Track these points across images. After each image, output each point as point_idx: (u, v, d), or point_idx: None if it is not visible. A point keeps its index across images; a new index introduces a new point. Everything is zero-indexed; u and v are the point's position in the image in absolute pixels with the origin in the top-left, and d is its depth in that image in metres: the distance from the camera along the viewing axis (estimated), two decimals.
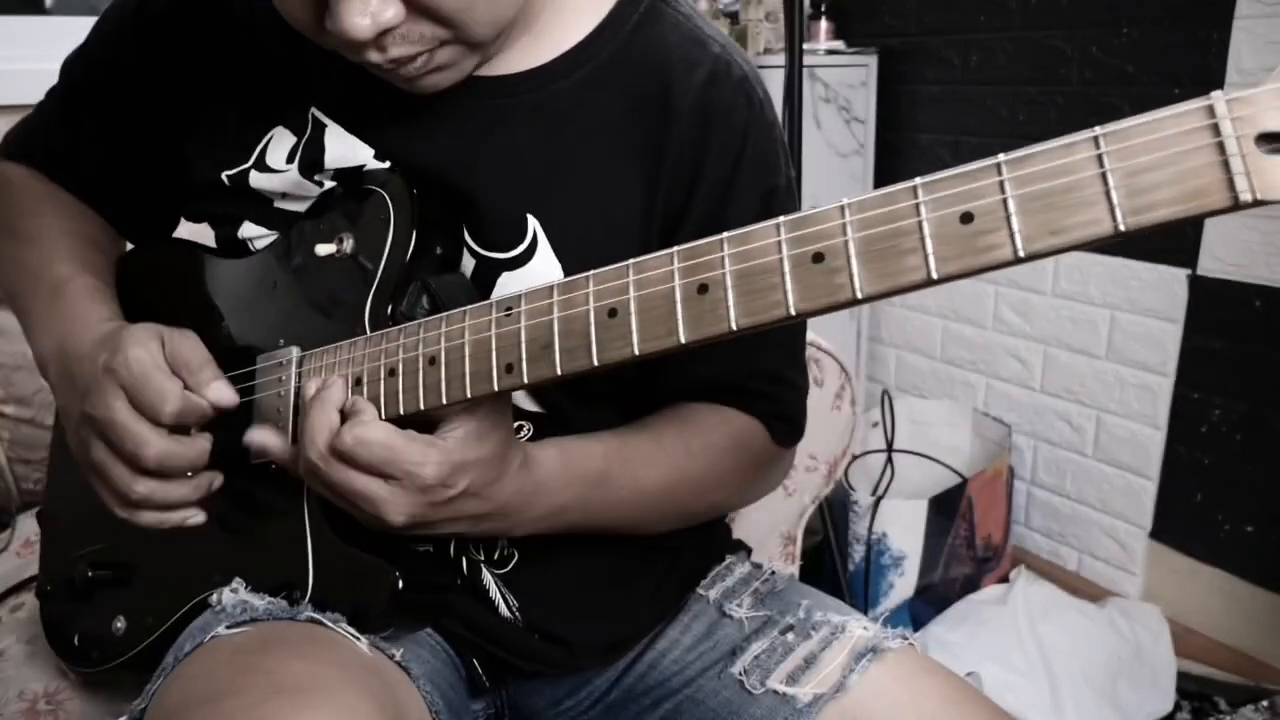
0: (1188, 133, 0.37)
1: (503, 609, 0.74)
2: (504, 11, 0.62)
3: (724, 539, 0.88)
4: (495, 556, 0.74)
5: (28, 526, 1.14)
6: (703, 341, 0.48)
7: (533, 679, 0.78)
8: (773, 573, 0.83)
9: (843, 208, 0.44)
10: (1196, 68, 1.66)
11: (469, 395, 0.56)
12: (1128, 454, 1.89)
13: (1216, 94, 0.37)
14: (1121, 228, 0.38)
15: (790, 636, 0.74)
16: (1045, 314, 2.00)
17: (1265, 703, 1.64)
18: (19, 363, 1.20)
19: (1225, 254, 1.68)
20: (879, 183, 2.28)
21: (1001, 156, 0.40)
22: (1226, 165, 0.36)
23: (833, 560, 1.77)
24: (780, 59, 1.76)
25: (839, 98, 2.14)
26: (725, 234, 0.47)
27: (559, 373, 0.52)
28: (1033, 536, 2.11)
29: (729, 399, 0.76)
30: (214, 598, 0.67)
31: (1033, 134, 1.94)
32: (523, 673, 0.77)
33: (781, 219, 0.46)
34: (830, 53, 2.15)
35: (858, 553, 1.82)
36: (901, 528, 1.79)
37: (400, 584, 0.64)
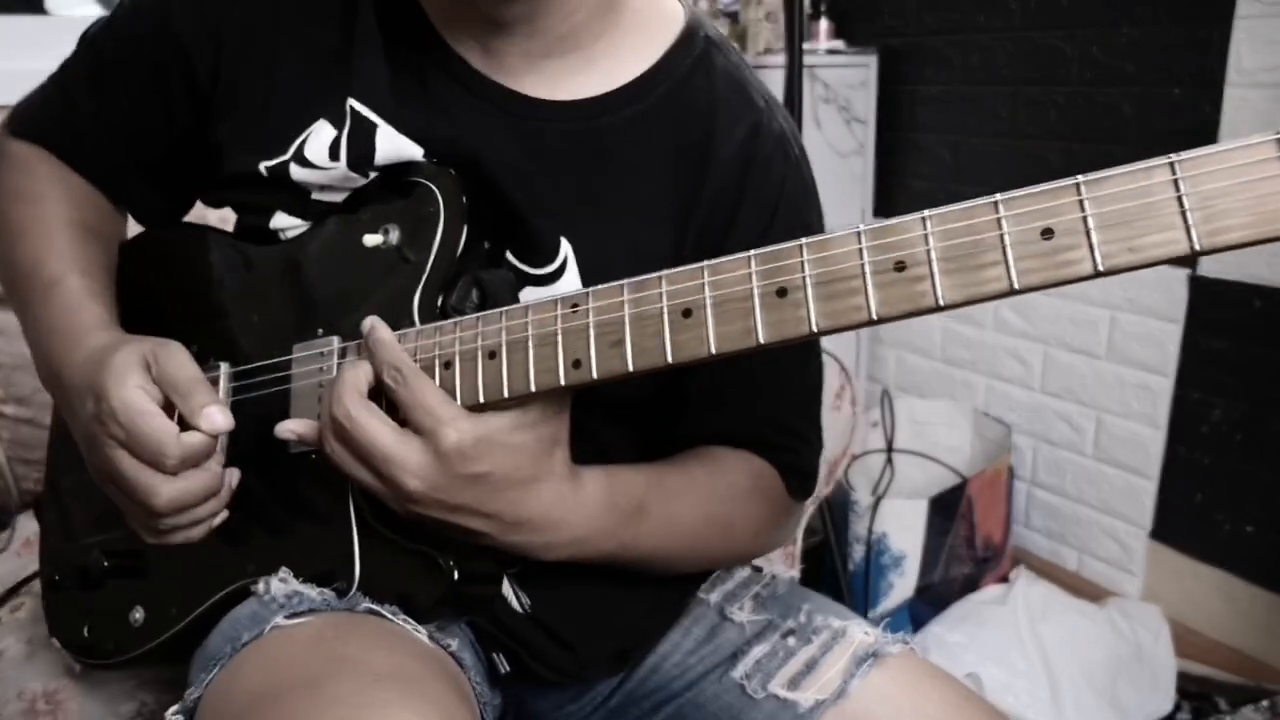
0: (1260, 163, 0.40)
1: (515, 605, 0.74)
2: None
3: None
4: (505, 556, 0.74)
5: (28, 526, 1.14)
6: (781, 343, 0.50)
7: (542, 684, 0.78)
8: (773, 576, 0.83)
9: (924, 219, 0.46)
10: (1197, 68, 1.66)
11: (533, 389, 0.56)
12: (1128, 454, 1.89)
13: None
14: (1198, 247, 0.41)
15: (791, 640, 0.74)
16: (1045, 314, 2.00)
17: (1265, 703, 1.64)
18: (19, 362, 1.20)
19: (1225, 254, 1.68)
20: (879, 183, 2.28)
21: (1080, 177, 0.43)
22: None
23: (833, 560, 1.77)
24: (780, 59, 1.76)
25: (839, 98, 2.14)
26: (804, 240, 0.49)
27: (630, 369, 0.54)
28: (1033, 536, 2.11)
29: (747, 449, 0.77)
30: (259, 587, 0.67)
31: (1033, 134, 1.94)
32: (534, 675, 0.76)
33: (862, 227, 0.47)
34: (830, 53, 2.14)
35: (858, 553, 1.82)
36: (901, 528, 1.79)
37: (456, 574, 0.64)
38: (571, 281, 0.69)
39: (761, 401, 0.77)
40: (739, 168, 0.71)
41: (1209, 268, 1.71)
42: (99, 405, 0.64)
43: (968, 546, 1.89)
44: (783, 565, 1.27)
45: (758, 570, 0.85)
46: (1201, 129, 1.65)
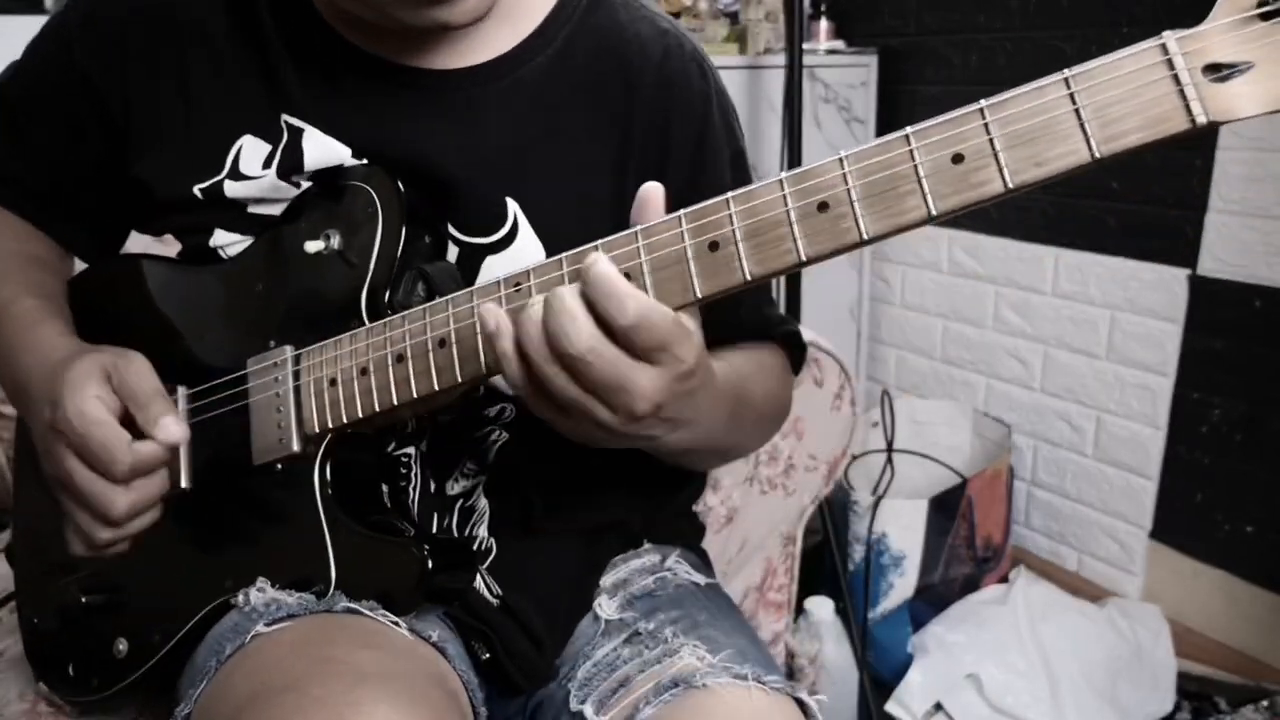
0: (1147, 68, 0.42)
1: (487, 596, 0.74)
2: None
3: (666, 525, 0.85)
4: (477, 550, 0.75)
5: None
6: (718, 294, 0.52)
7: (500, 694, 0.76)
8: (673, 574, 0.80)
9: (841, 160, 0.48)
10: None
11: (484, 371, 0.57)
12: (1128, 454, 1.89)
13: (1167, 33, 0.42)
14: (1098, 154, 0.43)
15: (625, 650, 0.71)
16: (1045, 314, 2.00)
17: (1265, 703, 1.64)
18: None
19: (1225, 254, 1.68)
20: None
21: (983, 101, 0.45)
22: (1183, 94, 0.41)
23: (833, 560, 1.77)
24: (780, 59, 1.76)
25: (839, 98, 2.14)
26: (729, 194, 0.50)
27: None
28: (1033, 536, 2.11)
29: (752, 339, 0.78)
30: (239, 599, 0.67)
31: None
32: (504, 675, 0.75)
33: (784, 174, 0.49)
34: (830, 53, 2.15)
35: (858, 553, 1.82)
36: (901, 528, 1.79)
37: (430, 563, 0.64)
38: (527, 239, 0.70)
39: (744, 304, 0.75)
40: (659, 90, 0.72)
41: (1208, 267, 1.71)
42: (55, 413, 0.64)
43: (968, 546, 1.89)
44: (781, 567, 1.27)
45: (664, 562, 0.81)
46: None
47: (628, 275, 0.52)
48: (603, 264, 0.51)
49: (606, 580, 0.79)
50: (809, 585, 1.62)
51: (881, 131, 2.23)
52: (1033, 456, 2.08)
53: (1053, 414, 2.03)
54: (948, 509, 1.82)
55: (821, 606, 1.65)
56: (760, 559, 1.24)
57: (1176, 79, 0.41)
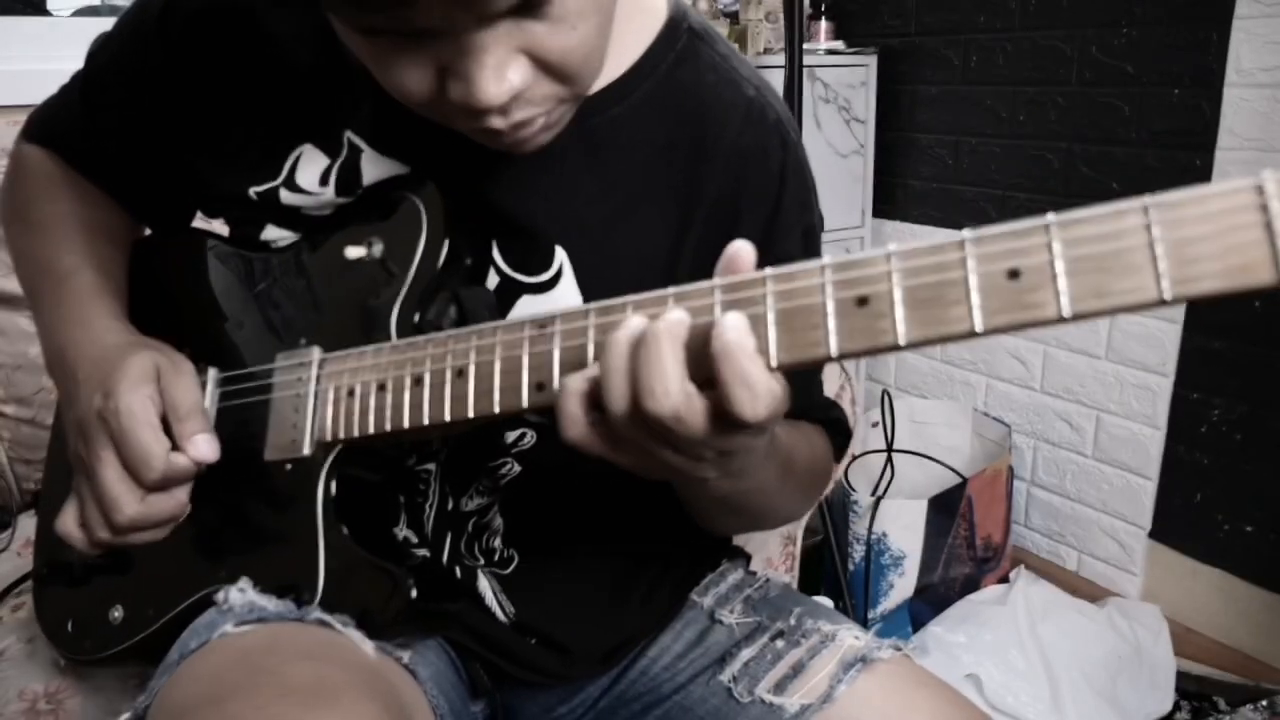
0: (1236, 209, 0.38)
1: (499, 614, 0.74)
2: (602, 61, 0.61)
3: (719, 545, 0.88)
4: (496, 559, 0.74)
5: (28, 526, 1.14)
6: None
7: (529, 686, 0.78)
8: (767, 580, 0.83)
9: (889, 255, 0.44)
10: (1196, 68, 1.66)
11: (497, 410, 0.56)
12: (1128, 454, 1.89)
13: (1267, 173, 0.37)
14: (1167, 297, 0.39)
15: (780, 643, 0.73)
16: None
17: (1265, 703, 1.64)
18: (19, 363, 1.20)
19: None
20: (879, 183, 2.28)
21: (1051, 217, 0.41)
22: (1274, 244, 0.37)
23: (833, 560, 1.77)
24: (780, 59, 1.76)
25: (839, 98, 2.14)
26: (769, 270, 0.47)
27: None
28: (1033, 536, 2.11)
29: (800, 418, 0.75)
30: (220, 596, 0.67)
31: (1032, 134, 1.95)
32: (520, 681, 0.77)
33: (827, 260, 0.46)
34: (830, 53, 2.15)
35: (858, 553, 1.82)
36: (901, 528, 1.80)
37: (414, 593, 0.64)
38: (568, 288, 0.69)
39: (793, 385, 0.74)
40: (735, 160, 0.69)
41: None
42: (106, 402, 0.65)
43: (968, 546, 1.89)
44: (782, 567, 1.27)
45: (751, 573, 0.85)
46: (1201, 129, 1.65)
47: None
48: (740, 331, 0.45)
49: (706, 599, 0.81)
50: (809, 585, 1.62)
51: (881, 132, 2.24)
52: (1033, 456, 2.08)
53: (1053, 414, 2.03)
54: (948, 509, 1.83)
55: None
56: (760, 559, 1.25)
57: (1269, 226, 0.37)
